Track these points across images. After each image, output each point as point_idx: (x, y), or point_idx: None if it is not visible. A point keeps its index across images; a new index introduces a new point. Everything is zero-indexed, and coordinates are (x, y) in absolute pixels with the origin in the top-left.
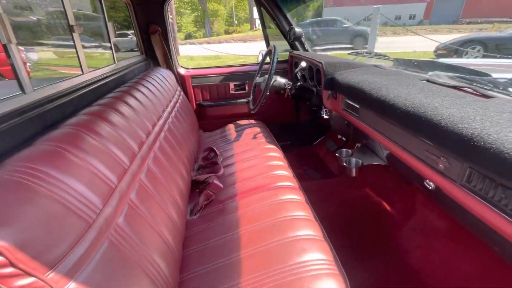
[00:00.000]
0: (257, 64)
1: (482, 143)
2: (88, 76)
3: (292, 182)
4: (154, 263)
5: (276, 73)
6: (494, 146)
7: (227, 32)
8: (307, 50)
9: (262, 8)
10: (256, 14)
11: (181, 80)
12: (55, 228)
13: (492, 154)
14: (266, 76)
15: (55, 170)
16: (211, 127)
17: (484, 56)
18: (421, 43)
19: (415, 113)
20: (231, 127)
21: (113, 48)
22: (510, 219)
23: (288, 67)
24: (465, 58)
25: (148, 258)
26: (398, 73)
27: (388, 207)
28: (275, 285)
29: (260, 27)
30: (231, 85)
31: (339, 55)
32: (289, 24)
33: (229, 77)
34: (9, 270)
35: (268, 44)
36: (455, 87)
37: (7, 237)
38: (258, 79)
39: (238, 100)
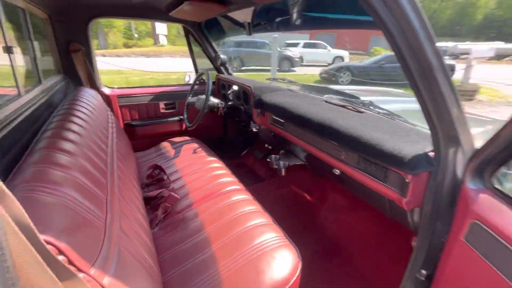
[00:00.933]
0: (184, 84)
1: (362, 140)
2: (23, 100)
3: (238, 186)
4: (149, 267)
5: (203, 93)
6: (368, 141)
7: (126, 46)
8: (230, 74)
9: (190, 35)
10: (159, 29)
11: (106, 100)
12: (82, 232)
13: (368, 146)
14: (199, 96)
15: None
16: (143, 146)
17: (352, 80)
18: (310, 68)
19: (324, 124)
20: (166, 144)
21: (38, 67)
22: (382, 183)
23: (215, 88)
24: (345, 85)
25: (142, 262)
26: (305, 95)
27: (309, 197)
28: (247, 262)
29: (163, 43)
30: (161, 104)
31: (258, 76)
32: (215, 51)
33: (158, 96)
34: (69, 267)
35: (196, 68)
36: (342, 106)
37: (63, 240)
38: (191, 99)
39: (170, 119)
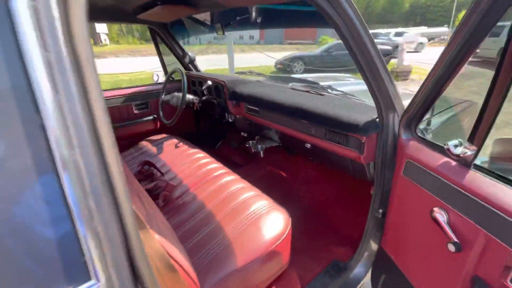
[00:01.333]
0: (154, 84)
1: (326, 116)
2: None
3: (225, 169)
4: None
5: (175, 90)
6: (331, 116)
7: None
8: (199, 71)
9: (157, 36)
10: (99, 28)
11: None
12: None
13: (331, 120)
14: (174, 93)
15: None
16: (122, 148)
17: (305, 68)
18: (263, 59)
19: (294, 107)
20: (145, 143)
21: None
22: (345, 146)
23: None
24: (300, 74)
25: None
26: (273, 85)
27: (285, 174)
28: (248, 226)
29: (106, 42)
30: (133, 105)
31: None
32: (182, 50)
33: (129, 98)
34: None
35: (164, 68)
36: (306, 91)
37: None
38: (165, 97)
39: (144, 119)
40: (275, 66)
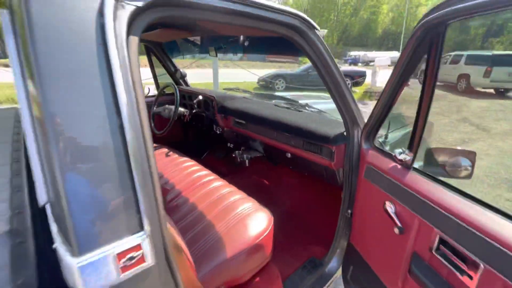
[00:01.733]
0: (145, 96)
1: (304, 129)
2: None
3: (213, 176)
4: None
5: (165, 103)
6: (308, 130)
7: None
8: (188, 86)
9: (151, 53)
10: None
11: None
12: None
13: (308, 133)
14: (166, 106)
15: None
16: None
17: (286, 86)
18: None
19: (278, 121)
20: None
21: None
22: (318, 155)
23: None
24: (281, 92)
25: None
26: (258, 101)
27: (267, 182)
28: (235, 223)
29: None
30: None
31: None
32: (174, 66)
33: None
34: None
35: (156, 82)
36: (287, 108)
37: None
38: (157, 109)
39: None
40: (257, 82)
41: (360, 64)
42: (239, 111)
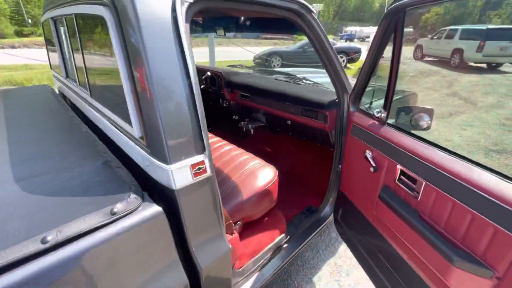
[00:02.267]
0: None
1: (302, 99)
2: None
3: (223, 141)
4: None
5: None
6: (306, 99)
7: (21, 34)
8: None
9: None
10: None
11: None
12: None
13: (306, 101)
14: None
15: None
16: None
17: (282, 63)
18: (241, 53)
19: (279, 92)
20: None
21: None
22: (315, 119)
23: None
24: (278, 68)
25: None
26: (260, 76)
27: (270, 148)
28: (248, 175)
29: None
30: None
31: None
32: None
33: None
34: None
35: None
36: (287, 81)
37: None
38: None
39: None
40: (253, 60)
41: (356, 40)
42: (244, 85)
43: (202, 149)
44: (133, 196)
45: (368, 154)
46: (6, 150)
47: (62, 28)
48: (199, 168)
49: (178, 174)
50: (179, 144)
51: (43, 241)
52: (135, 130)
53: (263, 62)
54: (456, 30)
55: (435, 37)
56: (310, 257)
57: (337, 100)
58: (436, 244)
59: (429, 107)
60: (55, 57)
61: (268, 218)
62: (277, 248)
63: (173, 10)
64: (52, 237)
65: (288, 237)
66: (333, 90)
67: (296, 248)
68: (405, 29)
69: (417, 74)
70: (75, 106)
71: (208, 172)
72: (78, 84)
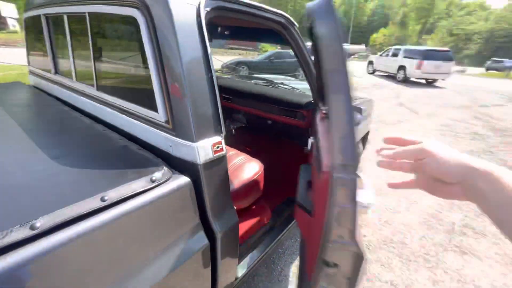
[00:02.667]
0: None
1: (282, 100)
2: None
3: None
4: None
5: None
6: (285, 99)
7: None
8: None
9: None
10: (5, 11)
11: None
12: None
13: (285, 102)
14: None
15: None
16: None
17: (249, 72)
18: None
19: (262, 94)
20: None
21: None
22: (294, 118)
23: None
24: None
25: None
26: (240, 81)
27: (251, 147)
28: (236, 168)
29: (14, 28)
30: None
31: None
32: None
33: None
34: None
35: None
36: (265, 85)
37: None
38: None
39: None
40: (221, 68)
41: None
42: (226, 87)
43: (220, 131)
44: (165, 168)
45: None
46: (39, 138)
47: (62, 25)
48: (218, 147)
49: (202, 151)
50: (202, 126)
51: (102, 199)
52: (161, 115)
53: (231, 71)
54: (400, 49)
55: (383, 55)
56: (290, 245)
57: (313, 101)
58: None
59: (404, 126)
60: (38, 55)
61: (256, 207)
62: (264, 234)
63: (198, 15)
64: (108, 197)
65: (272, 224)
66: (308, 94)
67: (279, 235)
68: (357, 46)
69: (369, 86)
70: (62, 101)
71: (224, 151)
72: (75, 79)
